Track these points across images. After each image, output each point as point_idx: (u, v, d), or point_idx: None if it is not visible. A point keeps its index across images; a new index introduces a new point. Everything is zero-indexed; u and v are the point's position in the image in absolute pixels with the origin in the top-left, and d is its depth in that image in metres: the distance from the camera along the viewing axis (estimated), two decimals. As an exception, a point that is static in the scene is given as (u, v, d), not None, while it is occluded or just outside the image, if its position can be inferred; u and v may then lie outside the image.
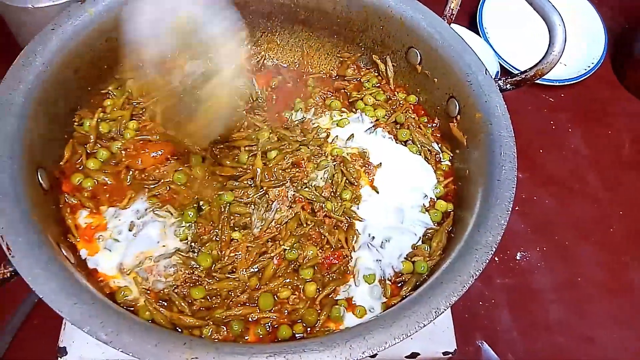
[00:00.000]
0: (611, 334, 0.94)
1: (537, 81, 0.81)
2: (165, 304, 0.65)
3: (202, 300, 0.66)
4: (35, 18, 0.88)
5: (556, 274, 0.99)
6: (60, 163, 0.73)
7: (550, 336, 0.93)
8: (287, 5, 0.88)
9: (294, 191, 0.75)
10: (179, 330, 0.63)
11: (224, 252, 0.69)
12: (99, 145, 0.77)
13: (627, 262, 1.02)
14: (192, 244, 0.70)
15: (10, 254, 0.54)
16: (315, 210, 0.74)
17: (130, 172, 0.75)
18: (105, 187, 0.74)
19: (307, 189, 0.76)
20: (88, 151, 0.76)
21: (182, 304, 0.64)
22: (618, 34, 1.30)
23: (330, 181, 0.77)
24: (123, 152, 0.76)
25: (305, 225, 0.73)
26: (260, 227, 0.72)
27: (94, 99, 0.80)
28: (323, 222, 0.73)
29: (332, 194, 0.76)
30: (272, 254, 0.69)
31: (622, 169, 1.14)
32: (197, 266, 0.68)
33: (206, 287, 0.66)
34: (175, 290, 0.66)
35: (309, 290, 0.68)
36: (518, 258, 1.00)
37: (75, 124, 0.77)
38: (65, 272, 0.56)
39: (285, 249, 0.70)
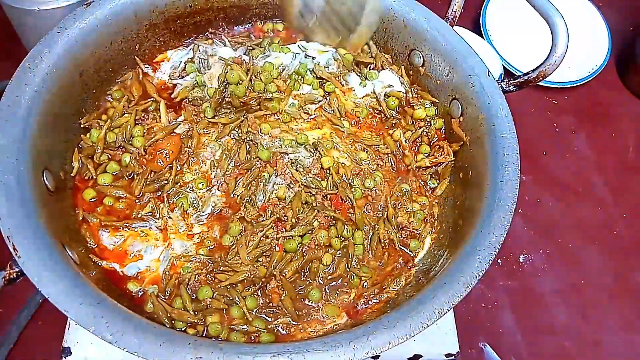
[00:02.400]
0: (616, 338, 0.94)
1: (541, 83, 0.81)
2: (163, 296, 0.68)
3: (209, 299, 0.68)
4: (41, 20, 0.89)
5: (560, 277, 0.99)
6: (72, 174, 0.74)
7: (554, 340, 0.93)
8: (290, 8, 0.88)
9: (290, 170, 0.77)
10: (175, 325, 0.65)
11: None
12: (108, 157, 0.77)
13: (632, 265, 1.01)
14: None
15: (16, 254, 0.54)
16: (314, 194, 0.76)
17: (143, 180, 0.76)
18: (119, 200, 0.75)
19: (297, 171, 0.78)
20: (96, 161, 0.76)
21: (187, 301, 0.66)
22: (622, 37, 1.29)
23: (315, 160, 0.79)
24: (134, 161, 0.77)
25: (307, 205, 0.74)
26: (262, 200, 0.74)
27: (99, 102, 0.81)
28: (324, 206, 0.75)
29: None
30: (278, 236, 0.71)
31: (627, 172, 1.14)
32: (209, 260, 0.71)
33: (213, 286, 0.68)
34: (187, 284, 0.68)
35: (314, 297, 0.70)
36: (521, 260, 1.00)
37: (81, 126, 0.77)
38: (70, 273, 0.56)
39: (292, 236, 0.71)
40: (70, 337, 0.74)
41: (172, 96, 0.84)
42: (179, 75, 0.86)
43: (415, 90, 0.88)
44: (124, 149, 0.78)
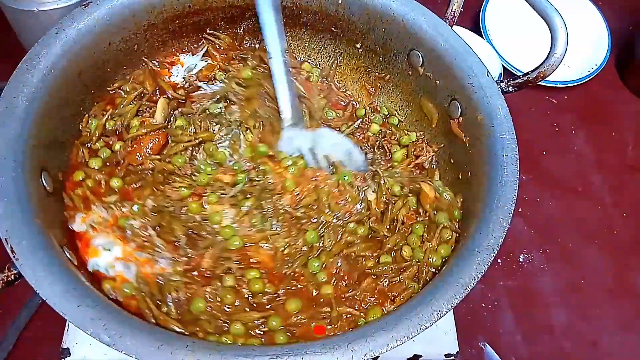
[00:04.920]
0: (615, 338, 0.94)
1: (541, 83, 0.81)
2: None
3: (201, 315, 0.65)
4: (39, 21, 0.89)
5: (560, 277, 0.99)
6: (69, 164, 0.74)
7: (554, 339, 0.93)
8: (289, 8, 0.88)
9: None
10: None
11: None
12: (103, 143, 0.77)
13: (632, 265, 1.01)
14: None
15: (14, 256, 0.54)
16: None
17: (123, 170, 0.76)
18: (100, 184, 0.74)
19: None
20: (91, 147, 0.76)
21: (172, 310, 0.64)
22: (622, 36, 1.29)
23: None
24: (122, 150, 0.77)
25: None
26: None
27: (97, 102, 0.80)
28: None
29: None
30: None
31: (627, 171, 1.13)
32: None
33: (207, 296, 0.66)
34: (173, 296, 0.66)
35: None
36: (521, 260, 1.00)
37: (82, 127, 0.77)
38: (68, 275, 0.56)
39: None
40: (69, 338, 0.74)
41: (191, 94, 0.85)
42: (197, 79, 0.87)
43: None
44: (119, 136, 0.78)
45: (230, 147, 0.81)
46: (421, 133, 0.88)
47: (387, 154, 0.86)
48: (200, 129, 0.81)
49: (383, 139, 0.87)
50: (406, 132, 0.89)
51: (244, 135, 0.82)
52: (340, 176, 0.79)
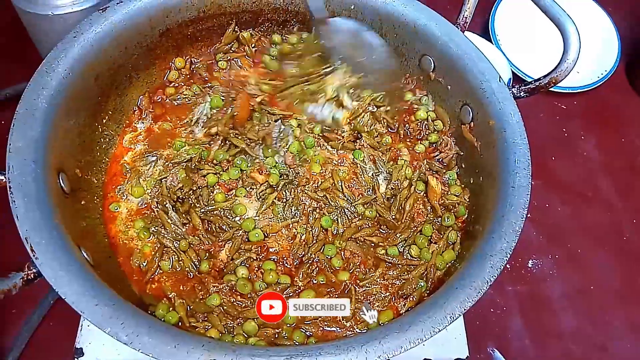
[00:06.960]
0: (625, 343, 0.93)
1: (550, 89, 0.81)
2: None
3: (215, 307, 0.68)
4: (54, 25, 0.90)
5: (569, 282, 0.98)
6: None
7: (563, 344, 0.92)
8: (301, 13, 0.89)
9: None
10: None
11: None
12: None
13: (641, 270, 1.01)
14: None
15: (34, 255, 0.55)
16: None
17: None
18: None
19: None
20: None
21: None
22: (631, 42, 1.29)
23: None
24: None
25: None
26: None
27: (114, 105, 0.82)
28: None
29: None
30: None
31: (636, 176, 1.13)
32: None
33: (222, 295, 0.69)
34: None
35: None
36: (530, 265, 1.00)
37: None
38: (86, 274, 0.57)
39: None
40: (82, 338, 0.75)
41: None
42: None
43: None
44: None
45: (280, 141, 0.84)
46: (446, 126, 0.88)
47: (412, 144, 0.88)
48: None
49: (414, 130, 0.88)
50: (434, 127, 0.88)
51: (293, 130, 0.84)
52: (355, 155, 0.83)
